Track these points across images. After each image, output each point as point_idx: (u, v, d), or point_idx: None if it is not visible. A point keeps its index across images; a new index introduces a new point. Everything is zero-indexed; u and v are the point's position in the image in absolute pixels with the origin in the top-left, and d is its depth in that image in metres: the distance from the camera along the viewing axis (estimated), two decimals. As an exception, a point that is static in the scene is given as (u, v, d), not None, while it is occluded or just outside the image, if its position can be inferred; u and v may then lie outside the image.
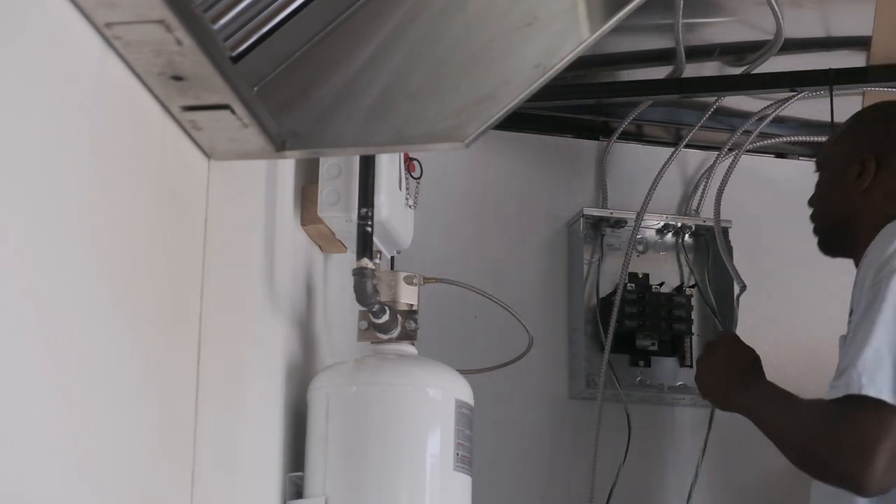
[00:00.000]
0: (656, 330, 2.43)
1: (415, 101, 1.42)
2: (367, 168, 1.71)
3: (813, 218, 1.99)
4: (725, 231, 2.50)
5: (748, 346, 1.99)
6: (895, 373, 1.65)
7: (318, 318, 1.86)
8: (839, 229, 1.93)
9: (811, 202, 2.00)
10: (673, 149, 2.56)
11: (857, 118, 2.01)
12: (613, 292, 2.44)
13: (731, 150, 2.56)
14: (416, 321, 1.76)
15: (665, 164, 2.53)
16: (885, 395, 1.63)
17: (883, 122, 1.96)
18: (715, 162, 2.56)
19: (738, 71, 2.48)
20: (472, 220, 2.50)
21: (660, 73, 2.49)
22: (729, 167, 2.53)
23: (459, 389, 1.70)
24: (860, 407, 1.65)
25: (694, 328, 2.46)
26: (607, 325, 2.41)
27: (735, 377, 1.95)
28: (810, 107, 2.54)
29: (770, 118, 2.52)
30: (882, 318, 1.67)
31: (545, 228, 2.53)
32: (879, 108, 2.05)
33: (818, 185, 1.99)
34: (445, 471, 1.65)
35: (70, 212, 1.06)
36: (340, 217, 1.75)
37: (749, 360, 1.96)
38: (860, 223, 1.88)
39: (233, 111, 1.26)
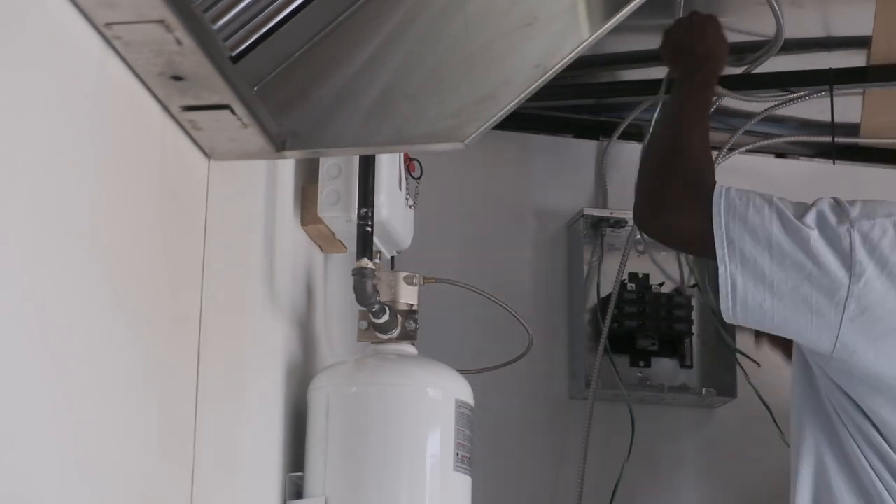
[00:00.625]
0: (656, 330, 2.43)
1: (415, 101, 1.42)
2: (367, 168, 1.71)
3: None
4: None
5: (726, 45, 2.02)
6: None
7: (318, 318, 1.86)
8: None
9: None
10: (673, 149, 2.56)
11: None
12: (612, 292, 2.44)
13: (730, 149, 2.56)
14: (416, 321, 1.76)
15: None
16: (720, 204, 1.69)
17: None
18: (715, 162, 2.55)
19: (738, 71, 2.48)
20: (472, 220, 2.50)
21: (660, 73, 2.49)
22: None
23: (459, 389, 1.71)
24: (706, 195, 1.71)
25: (694, 328, 2.45)
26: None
27: (694, 56, 1.97)
28: (810, 107, 2.54)
29: (760, 117, 2.52)
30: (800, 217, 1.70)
31: (545, 228, 2.53)
32: None
33: None
34: (445, 471, 1.65)
35: (70, 212, 1.06)
36: (340, 217, 1.75)
37: (719, 56, 1.97)
38: None
39: (233, 111, 1.26)
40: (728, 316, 1.70)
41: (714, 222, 1.69)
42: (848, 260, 1.66)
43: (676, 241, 1.85)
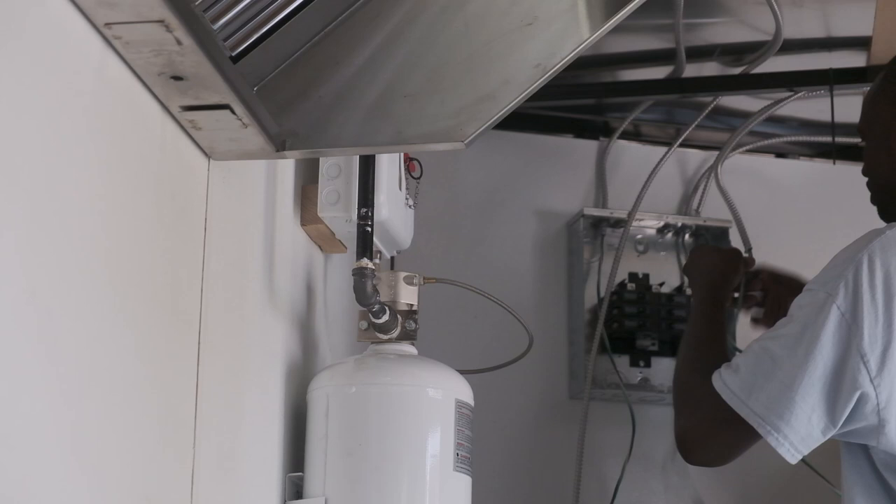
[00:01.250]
0: (656, 330, 2.43)
1: (415, 101, 1.42)
2: (367, 168, 1.71)
3: (868, 186, 1.88)
4: (725, 231, 2.50)
5: (737, 268, 2.09)
6: (771, 389, 1.67)
7: (318, 318, 1.86)
8: (890, 197, 1.83)
9: (864, 171, 1.88)
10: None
11: (886, 77, 1.85)
12: (613, 293, 2.44)
13: (731, 149, 2.57)
14: (416, 321, 1.76)
15: (658, 163, 2.53)
16: (744, 410, 1.69)
17: None
18: (715, 162, 2.56)
19: (737, 71, 2.48)
20: (472, 220, 2.50)
21: (660, 73, 2.49)
22: (712, 166, 2.54)
23: (459, 389, 1.70)
24: (727, 415, 1.71)
25: (694, 328, 2.45)
26: (608, 325, 2.41)
27: (707, 282, 2.03)
28: (810, 107, 2.54)
29: (763, 117, 2.52)
30: (782, 335, 1.69)
31: (545, 228, 2.53)
32: None
33: (865, 153, 1.87)
34: (445, 471, 1.65)
35: (70, 212, 1.06)
36: (340, 217, 1.75)
37: (730, 279, 2.04)
38: None
39: (233, 111, 1.26)
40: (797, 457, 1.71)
41: (742, 413, 1.70)
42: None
43: (725, 458, 1.84)
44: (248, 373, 1.54)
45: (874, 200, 1.87)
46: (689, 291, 2.47)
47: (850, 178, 2.35)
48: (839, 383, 1.63)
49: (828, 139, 2.49)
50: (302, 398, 1.71)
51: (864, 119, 1.88)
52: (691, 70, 2.46)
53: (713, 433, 1.78)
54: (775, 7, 2.28)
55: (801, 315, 1.68)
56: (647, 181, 2.51)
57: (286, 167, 1.72)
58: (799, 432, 1.66)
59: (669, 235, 2.54)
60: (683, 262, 2.49)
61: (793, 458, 1.68)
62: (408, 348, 1.75)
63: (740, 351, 2.33)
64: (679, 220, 2.51)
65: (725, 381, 1.72)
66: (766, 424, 1.67)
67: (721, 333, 1.96)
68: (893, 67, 1.86)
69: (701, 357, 1.88)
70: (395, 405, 1.66)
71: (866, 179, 1.88)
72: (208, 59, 1.16)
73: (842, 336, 1.64)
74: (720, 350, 1.91)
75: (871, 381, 1.62)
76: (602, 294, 2.44)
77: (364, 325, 1.74)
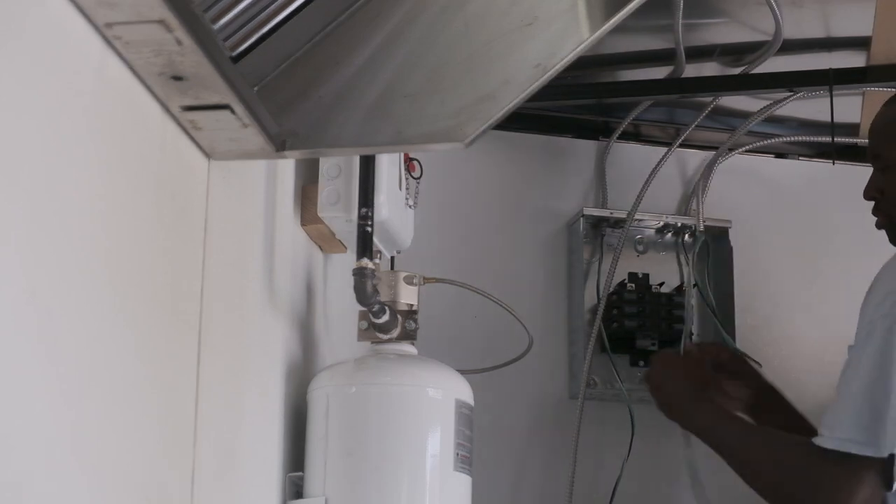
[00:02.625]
0: (656, 330, 2.43)
1: (415, 101, 1.42)
2: (367, 168, 1.71)
3: (880, 211, 1.91)
4: (725, 231, 2.50)
5: (704, 367, 2.06)
6: (874, 423, 1.66)
7: (318, 318, 1.86)
8: None
9: (873, 198, 1.92)
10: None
11: None
12: (613, 293, 2.44)
13: (730, 149, 2.57)
14: (416, 321, 1.76)
15: (658, 164, 2.53)
16: (860, 449, 1.67)
17: None
18: (714, 162, 2.56)
19: (737, 71, 2.48)
20: (472, 220, 2.50)
21: (660, 73, 2.49)
22: (712, 166, 2.54)
23: (459, 389, 1.71)
24: (840, 462, 1.69)
25: (694, 328, 2.46)
26: (608, 325, 2.41)
27: (691, 396, 1.98)
28: (810, 107, 2.54)
29: (763, 116, 2.52)
30: (867, 368, 1.69)
31: (545, 228, 2.52)
32: None
33: (885, 183, 1.90)
34: (445, 471, 1.65)
35: (70, 212, 1.06)
36: (340, 217, 1.75)
37: (705, 381, 2.00)
38: None
39: (233, 111, 1.26)
40: None
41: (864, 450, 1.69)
42: None
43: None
44: (248, 373, 1.54)
45: (883, 225, 1.91)
46: (693, 283, 2.46)
47: (850, 178, 2.36)
48: None
49: (827, 139, 2.49)
50: (302, 398, 1.71)
51: (888, 145, 1.91)
52: (691, 70, 2.46)
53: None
54: (775, 7, 2.28)
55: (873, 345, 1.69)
56: (647, 181, 2.51)
57: (286, 167, 1.72)
58: None
59: (669, 235, 2.54)
60: (683, 262, 2.49)
61: None
62: (408, 348, 1.75)
63: (741, 352, 2.33)
64: (679, 220, 2.51)
65: (841, 436, 1.69)
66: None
67: (738, 418, 1.94)
68: None
69: (773, 449, 1.83)
70: (395, 405, 1.66)
71: (874, 203, 1.91)
72: (208, 59, 1.16)
73: None
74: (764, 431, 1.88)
75: None
76: (602, 294, 2.44)
77: (364, 325, 1.74)
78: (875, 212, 1.93)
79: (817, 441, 1.72)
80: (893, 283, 1.73)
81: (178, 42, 1.12)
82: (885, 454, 1.66)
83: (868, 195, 1.94)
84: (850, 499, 1.68)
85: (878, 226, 1.93)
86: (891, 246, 1.90)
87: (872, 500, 1.69)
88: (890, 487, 1.71)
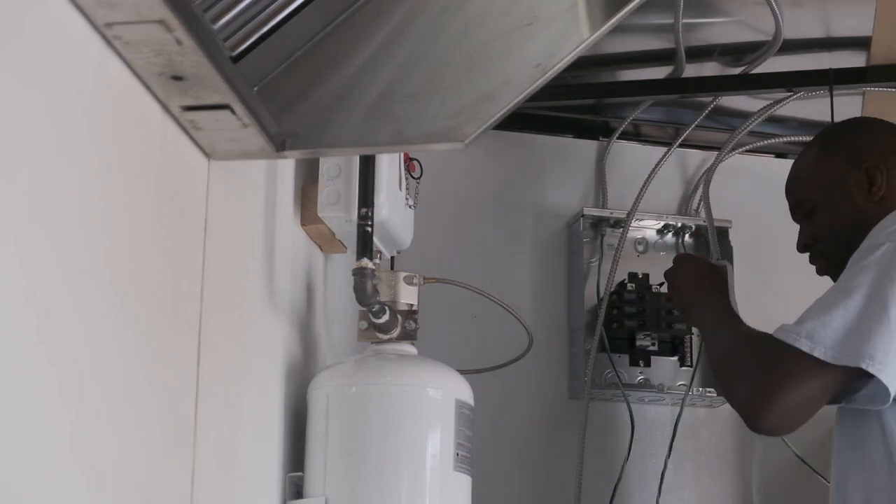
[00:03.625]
0: (656, 330, 2.43)
1: (415, 101, 1.42)
2: (367, 168, 1.71)
3: (819, 257, 1.93)
4: (725, 231, 2.50)
5: (702, 259, 2.04)
6: (847, 333, 1.64)
7: (318, 318, 1.86)
8: (856, 239, 1.82)
9: (807, 248, 1.94)
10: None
11: (822, 145, 1.94)
12: (613, 293, 2.44)
13: (731, 150, 2.57)
14: (416, 321, 1.76)
15: (658, 164, 2.53)
16: (820, 353, 1.64)
17: (856, 132, 1.94)
18: (715, 162, 2.56)
19: (737, 71, 2.48)
20: (472, 220, 2.50)
21: (660, 73, 2.49)
22: (712, 166, 2.54)
23: (459, 389, 1.71)
24: (792, 358, 1.66)
25: (693, 328, 2.45)
26: (608, 325, 2.41)
27: (692, 290, 1.96)
28: (810, 107, 2.54)
29: (764, 117, 2.52)
30: (858, 282, 1.68)
31: (545, 228, 2.53)
32: (840, 126, 2.00)
33: (814, 227, 1.92)
34: (445, 471, 1.65)
35: (70, 212, 1.06)
36: (340, 217, 1.75)
37: (704, 271, 1.98)
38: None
39: (233, 111, 1.26)
40: None
41: (824, 356, 1.66)
42: None
43: (805, 413, 1.71)
44: (248, 373, 1.54)
45: (826, 270, 1.91)
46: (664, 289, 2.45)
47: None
48: None
49: (828, 139, 2.48)
50: (302, 398, 1.71)
51: (808, 188, 1.94)
52: (691, 70, 2.46)
53: (790, 390, 1.67)
54: (775, 7, 2.28)
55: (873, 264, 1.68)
56: (647, 181, 2.51)
57: (286, 167, 1.72)
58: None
59: (669, 235, 2.54)
60: None
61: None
62: (408, 348, 1.75)
63: None
64: (679, 220, 2.51)
65: (812, 336, 1.67)
66: (875, 363, 1.63)
67: (730, 310, 1.92)
68: (824, 137, 1.96)
69: (742, 337, 1.81)
70: (395, 405, 1.66)
71: (809, 252, 1.94)
72: (208, 59, 1.16)
73: None
74: (748, 328, 1.85)
75: None
76: (602, 294, 2.44)
77: (364, 325, 1.74)
78: (812, 260, 1.95)
79: (777, 334, 1.70)
80: (880, 232, 1.74)
81: (178, 42, 1.12)
82: (841, 363, 1.64)
83: (802, 248, 1.96)
84: (791, 389, 1.65)
85: (820, 272, 1.93)
86: None
87: (811, 403, 1.67)
88: (839, 400, 1.71)
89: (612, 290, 2.44)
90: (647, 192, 2.50)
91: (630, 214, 2.46)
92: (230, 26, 1.33)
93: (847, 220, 1.88)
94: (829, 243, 1.91)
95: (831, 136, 1.97)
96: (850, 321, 1.66)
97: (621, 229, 2.48)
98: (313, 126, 1.41)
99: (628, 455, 2.37)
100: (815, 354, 1.64)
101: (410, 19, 1.53)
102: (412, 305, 1.77)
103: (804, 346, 1.65)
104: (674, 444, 2.41)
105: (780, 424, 1.68)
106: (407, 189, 1.88)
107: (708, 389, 2.41)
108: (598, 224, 2.49)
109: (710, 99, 2.53)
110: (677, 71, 2.45)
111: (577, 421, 2.39)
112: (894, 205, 1.84)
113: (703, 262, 2.02)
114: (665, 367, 2.43)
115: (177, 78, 1.19)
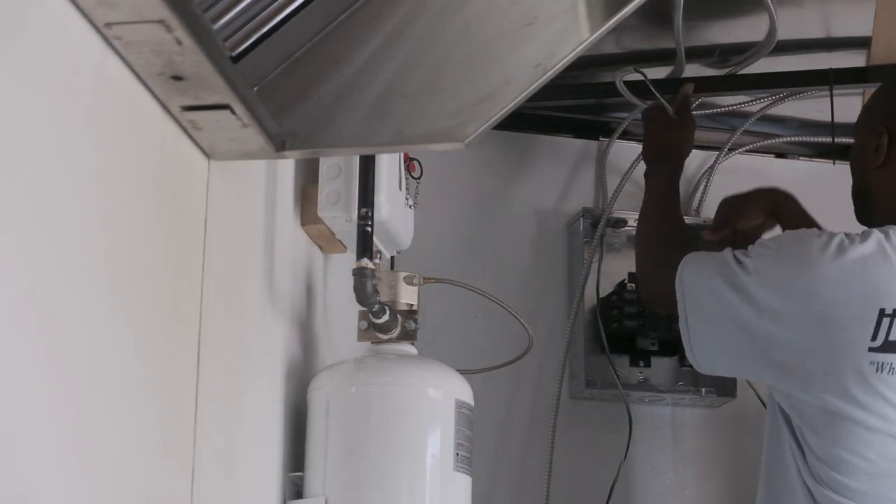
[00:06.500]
0: (656, 330, 2.43)
1: (415, 101, 1.42)
2: (367, 168, 1.71)
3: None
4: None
5: (679, 126, 2.22)
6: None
7: (318, 318, 1.86)
8: (861, 202, 1.90)
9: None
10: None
11: (886, 86, 1.95)
12: (613, 292, 2.44)
13: (731, 149, 2.57)
14: (416, 321, 1.76)
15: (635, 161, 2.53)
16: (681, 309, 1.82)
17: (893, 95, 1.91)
18: (715, 162, 2.56)
19: (736, 71, 2.48)
20: (472, 220, 2.50)
21: (660, 73, 2.49)
22: (712, 166, 2.54)
23: (459, 389, 1.70)
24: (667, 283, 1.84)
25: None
26: (608, 325, 2.41)
27: (653, 150, 2.20)
28: (810, 107, 2.54)
29: (756, 116, 2.52)
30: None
31: (545, 228, 2.52)
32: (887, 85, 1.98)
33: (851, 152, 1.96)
34: (445, 471, 1.65)
35: (70, 212, 1.06)
36: (340, 217, 1.75)
37: (675, 141, 2.19)
38: (873, 202, 1.85)
39: (233, 111, 1.26)
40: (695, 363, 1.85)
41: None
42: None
43: (658, 303, 2.02)
44: (248, 373, 1.54)
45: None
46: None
47: (850, 179, 2.36)
48: None
49: (827, 139, 2.48)
50: (302, 398, 1.71)
51: (858, 120, 1.97)
52: (691, 70, 2.46)
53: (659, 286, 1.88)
54: (771, 7, 2.28)
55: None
56: (623, 179, 2.51)
57: (286, 167, 1.72)
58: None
59: (669, 235, 2.54)
60: None
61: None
62: (408, 348, 1.75)
63: None
64: (679, 220, 2.51)
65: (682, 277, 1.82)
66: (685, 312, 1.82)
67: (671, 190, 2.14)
68: (891, 89, 1.94)
69: (668, 222, 2.05)
70: (395, 405, 1.66)
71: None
72: (208, 59, 1.16)
73: None
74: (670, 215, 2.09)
75: None
76: (602, 294, 2.44)
77: (364, 325, 1.74)
78: None
79: (683, 261, 1.84)
80: None
81: (178, 42, 1.12)
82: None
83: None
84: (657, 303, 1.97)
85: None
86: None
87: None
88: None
89: (613, 289, 2.44)
90: (647, 192, 2.49)
91: (630, 214, 2.46)
92: (230, 26, 1.33)
93: (855, 183, 1.92)
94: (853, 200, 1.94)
95: (875, 93, 1.97)
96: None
97: (621, 229, 2.47)
98: (313, 126, 1.42)
99: (625, 456, 2.37)
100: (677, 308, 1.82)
101: (410, 19, 1.53)
102: (412, 305, 1.77)
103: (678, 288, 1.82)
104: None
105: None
106: (407, 189, 1.88)
107: (709, 390, 2.41)
108: (598, 224, 2.49)
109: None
110: (677, 71, 2.45)
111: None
112: (891, 187, 1.82)
113: (671, 121, 2.21)
114: (665, 368, 2.43)
115: (177, 78, 1.19)
